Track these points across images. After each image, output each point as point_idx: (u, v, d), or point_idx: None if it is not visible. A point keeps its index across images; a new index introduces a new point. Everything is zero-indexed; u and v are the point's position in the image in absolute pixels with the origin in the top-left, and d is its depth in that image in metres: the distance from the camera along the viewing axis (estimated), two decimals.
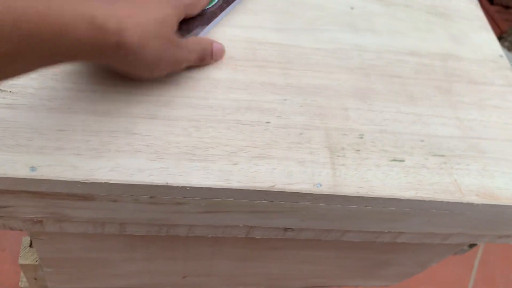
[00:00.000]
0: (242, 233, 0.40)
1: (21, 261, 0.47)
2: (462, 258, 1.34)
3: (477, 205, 0.38)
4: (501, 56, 0.51)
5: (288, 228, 0.40)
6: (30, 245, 0.48)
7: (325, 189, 0.35)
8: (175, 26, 0.35)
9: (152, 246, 0.46)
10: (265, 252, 0.50)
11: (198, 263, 0.51)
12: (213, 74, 0.39)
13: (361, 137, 0.39)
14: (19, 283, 0.57)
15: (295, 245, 0.49)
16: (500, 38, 2.06)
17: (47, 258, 0.46)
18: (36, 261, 0.48)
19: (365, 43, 0.47)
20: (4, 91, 0.33)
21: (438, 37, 0.50)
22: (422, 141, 0.40)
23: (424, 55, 0.48)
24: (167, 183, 0.32)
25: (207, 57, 0.39)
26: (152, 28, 0.32)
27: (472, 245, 0.52)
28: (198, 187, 0.32)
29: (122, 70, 0.33)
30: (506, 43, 2.08)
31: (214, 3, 0.42)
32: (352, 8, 0.49)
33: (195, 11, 0.39)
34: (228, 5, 0.42)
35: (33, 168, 0.30)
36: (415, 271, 0.59)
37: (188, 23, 0.39)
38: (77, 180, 0.30)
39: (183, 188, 0.32)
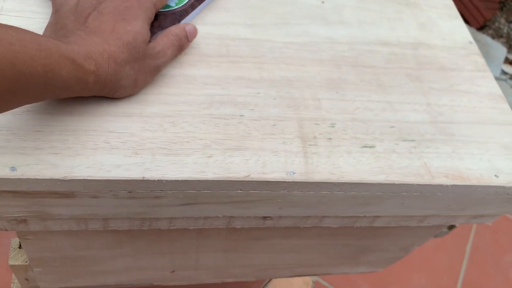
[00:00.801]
0: (222, 224, 0.41)
1: (11, 262, 0.48)
2: (454, 243, 1.36)
3: (447, 186, 0.40)
4: (470, 42, 0.52)
5: (267, 217, 0.41)
6: (20, 246, 0.49)
7: (298, 177, 0.36)
8: (147, 35, 0.37)
9: (138, 241, 0.47)
10: (249, 242, 0.51)
11: (184, 256, 0.52)
12: (188, 71, 0.40)
13: (333, 126, 0.40)
14: (11, 285, 0.58)
15: (277, 234, 0.50)
16: (484, 26, 2.09)
17: (36, 258, 0.47)
18: (26, 261, 0.49)
19: (337, 35, 0.48)
20: None
21: (408, 26, 0.52)
22: (393, 127, 0.42)
23: (395, 45, 0.49)
24: (143, 178, 0.33)
25: (184, 43, 0.40)
26: (125, 54, 0.35)
27: (451, 227, 0.54)
28: (174, 180, 0.34)
29: (107, 95, 0.36)
30: (490, 31, 2.11)
31: (185, 2, 0.43)
32: (323, 2, 0.50)
33: (164, 2, 0.40)
34: (199, 4, 0.44)
35: (13, 168, 0.31)
36: (399, 255, 0.61)
37: (160, 21, 0.41)
38: (56, 178, 0.32)
39: (159, 182, 0.33)
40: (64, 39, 0.33)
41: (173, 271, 0.56)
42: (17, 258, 0.48)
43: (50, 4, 0.41)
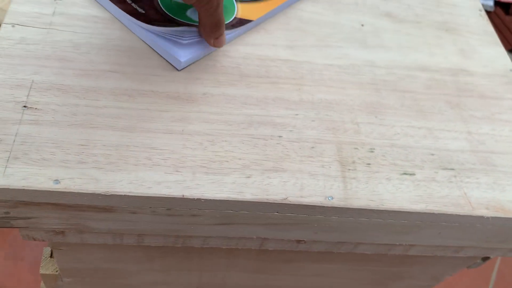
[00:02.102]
0: (255, 245, 0.41)
1: (42, 271, 0.49)
2: (479, 270, 1.32)
3: (487, 218, 0.38)
4: (511, 70, 0.51)
5: (301, 241, 0.41)
6: (51, 256, 0.50)
7: (336, 202, 0.36)
8: None
9: (168, 257, 0.47)
10: (279, 264, 0.50)
11: (212, 275, 0.52)
12: (228, 90, 0.41)
13: (372, 151, 0.40)
14: None
15: (308, 258, 0.49)
16: None
17: (67, 269, 0.47)
18: (57, 271, 0.49)
19: (376, 59, 0.48)
20: (30, 108, 0.35)
21: (448, 52, 0.51)
22: (433, 155, 0.41)
23: (435, 70, 0.49)
24: (183, 196, 0.33)
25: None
26: None
27: (485, 258, 0.52)
28: (213, 200, 0.34)
29: None
30: None
31: (228, 21, 0.43)
32: (362, 25, 0.50)
33: None
34: (240, 25, 0.44)
35: (56, 181, 0.31)
36: (428, 284, 0.59)
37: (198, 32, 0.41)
38: (98, 192, 0.32)
39: (198, 201, 0.33)
40: None
41: None
42: (48, 267, 0.49)
43: (96, 19, 0.41)
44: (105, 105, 0.36)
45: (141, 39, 0.41)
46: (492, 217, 0.39)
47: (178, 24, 0.41)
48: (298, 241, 0.41)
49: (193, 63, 0.42)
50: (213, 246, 0.40)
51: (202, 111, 0.38)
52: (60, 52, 0.38)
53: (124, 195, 0.32)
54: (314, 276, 0.54)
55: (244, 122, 0.39)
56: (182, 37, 0.41)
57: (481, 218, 0.39)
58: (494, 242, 0.43)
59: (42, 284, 0.55)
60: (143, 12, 0.41)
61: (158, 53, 0.41)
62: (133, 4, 0.42)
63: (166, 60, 0.41)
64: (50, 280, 0.50)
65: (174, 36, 0.41)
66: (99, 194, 0.32)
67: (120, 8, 0.41)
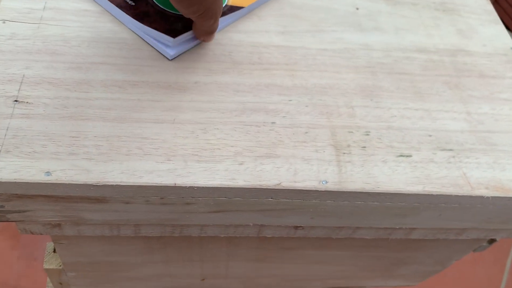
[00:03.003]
0: (253, 233, 0.41)
1: (46, 266, 0.49)
2: (493, 257, 1.31)
3: (487, 198, 0.38)
4: (511, 48, 0.50)
5: (299, 226, 0.41)
6: (54, 251, 0.50)
7: (330, 186, 0.35)
8: None
9: (169, 248, 0.47)
10: (280, 252, 0.50)
11: (214, 265, 0.52)
12: (220, 78, 0.40)
13: (368, 134, 0.39)
14: None
15: (309, 245, 0.49)
16: None
17: (70, 263, 0.48)
18: (60, 265, 0.49)
19: (372, 42, 0.47)
20: (21, 102, 0.35)
21: (446, 33, 0.50)
22: (430, 136, 0.40)
23: (433, 52, 0.48)
24: (175, 184, 0.33)
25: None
26: None
27: (491, 241, 0.51)
28: (205, 187, 0.33)
29: None
30: None
31: None
32: (357, 9, 0.50)
33: None
34: (230, 13, 0.43)
35: (48, 173, 0.32)
36: (435, 269, 0.59)
37: (187, 20, 0.41)
38: (89, 183, 0.32)
39: (190, 188, 0.33)
40: None
41: (203, 279, 0.56)
42: (52, 262, 0.49)
43: (86, 13, 0.41)
44: (96, 97, 0.36)
45: (132, 30, 0.41)
46: (492, 197, 0.38)
47: (168, 17, 0.41)
48: (296, 227, 0.41)
49: (184, 52, 0.41)
50: (211, 235, 0.40)
51: (194, 100, 0.38)
52: (50, 46, 0.39)
53: (116, 185, 0.32)
54: (316, 263, 0.54)
55: (236, 109, 0.38)
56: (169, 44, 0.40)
57: (481, 198, 0.38)
58: (496, 223, 0.43)
59: (48, 279, 0.56)
60: (133, 4, 0.41)
61: (149, 44, 0.41)
62: None
63: (157, 51, 0.41)
64: (55, 274, 0.50)
65: (161, 39, 0.40)
66: (91, 185, 0.32)
67: (109, 1, 0.41)
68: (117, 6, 0.41)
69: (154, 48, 0.41)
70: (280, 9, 0.47)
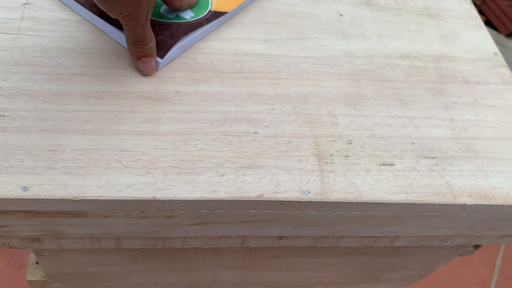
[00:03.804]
0: (237, 243, 0.41)
1: (29, 277, 0.49)
2: (483, 257, 1.32)
3: (471, 206, 0.38)
4: (495, 54, 0.50)
5: (283, 236, 0.40)
6: (37, 262, 0.50)
7: (313, 196, 0.35)
8: None
9: (153, 259, 0.47)
10: (266, 261, 0.50)
11: (201, 274, 0.51)
12: (201, 88, 0.40)
13: (350, 143, 0.39)
14: None
15: (295, 253, 0.49)
16: None
17: (53, 274, 0.47)
18: (43, 277, 0.49)
19: (355, 48, 0.47)
20: None
21: (430, 38, 0.50)
22: (413, 144, 0.40)
23: (416, 58, 0.48)
24: (154, 198, 0.32)
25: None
26: None
27: (476, 246, 0.51)
28: (185, 200, 0.33)
29: None
30: None
31: (202, 15, 0.43)
32: (341, 15, 0.49)
33: None
34: (215, 18, 0.43)
35: (24, 188, 0.31)
36: (422, 274, 0.59)
37: (172, 30, 0.40)
38: (67, 198, 0.31)
39: (170, 202, 0.33)
40: None
41: (191, 287, 0.55)
42: (35, 274, 0.49)
43: (65, 22, 0.41)
44: (75, 109, 0.36)
45: (112, 38, 0.41)
46: (476, 205, 0.38)
47: (152, 25, 0.40)
48: (280, 237, 0.40)
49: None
50: (194, 246, 0.40)
51: (175, 110, 0.38)
52: (28, 57, 0.38)
53: (94, 199, 0.32)
54: (303, 270, 0.53)
55: (218, 119, 0.38)
56: None
57: (464, 206, 0.38)
58: (481, 230, 0.43)
59: None
60: None
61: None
62: None
63: None
64: (38, 286, 0.50)
65: None
66: (68, 200, 0.31)
67: (91, 11, 0.41)
68: (99, 16, 0.40)
69: None
70: (263, 16, 0.47)
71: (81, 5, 0.41)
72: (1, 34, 0.39)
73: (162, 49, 0.40)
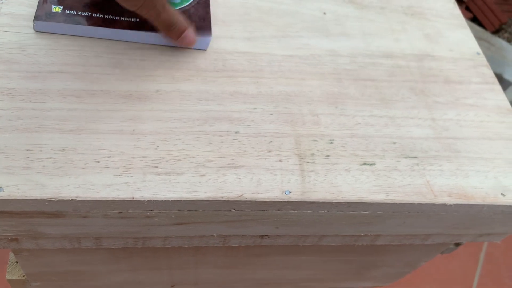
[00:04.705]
0: (218, 243, 0.40)
1: (9, 276, 0.48)
2: (467, 252, 1.33)
3: (450, 205, 0.38)
4: (478, 53, 0.51)
5: (264, 236, 0.40)
6: (17, 261, 0.49)
7: (293, 196, 0.35)
8: None
9: (135, 257, 0.46)
10: (249, 259, 0.50)
11: (183, 272, 0.51)
12: (183, 86, 0.40)
13: (332, 142, 0.39)
14: None
15: (277, 251, 0.49)
16: (500, 29, 2.05)
17: (33, 273, 0.47)
18: (23, 276, 0.48)
19: (338, 47, 0.47)
20: None
21: (413, 37, 0.50)
22: (394, 143, 0.40)
23: (399, 57, 0.48)
24: (133, 198, 0.32)
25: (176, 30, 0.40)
26: None
27: (457, 244, 0.52)
28: (165, 200, 0.33)
29: None
30: (506, 34, 2.06)
31: (189, 2, 0.43)
32: (324, 13, 0.49)
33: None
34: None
35: (0, 188, 0.31)
36: (405, 271, 0.59)
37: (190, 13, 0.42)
38: (44, 198, 0.31)
39: (149, 202, 0.33)
40: None
41: (173, 286, 0.55)
42: (14, 273, 0.48)
43: None
44: (52, 108, 0.35)
45: (95, 37, 0.40)
46: (455, 204, 0.38)
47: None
48: (262, 236, 0.40)
49: (147, 59, 0.40)
50: (175, 245, 0.40)
51: (155, 109, 0.37)
52: (5, 54, 0.37)
53: (72, 200, 0.31)
54: (286, 268, 0.54)
55: (199, 118, 0.38)
56: None
57: (444, 206, 0.38)
58: (460, 229, 0.43)
59: None
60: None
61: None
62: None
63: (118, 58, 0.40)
64: (18, 285, 0.49)
65: None
66: (45, 200, 0.31)
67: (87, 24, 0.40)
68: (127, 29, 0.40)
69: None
70: (246, 14, 0.47)
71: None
72: None
73: (203, 29, 0.41)
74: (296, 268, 0.55)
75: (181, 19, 0.39)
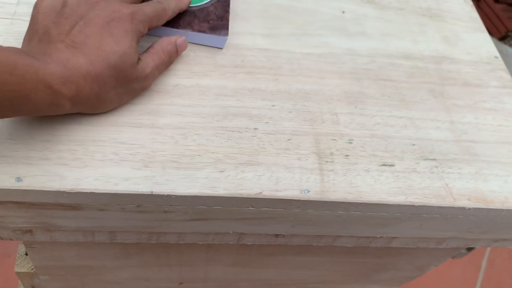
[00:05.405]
0: (233, 240, 0.40)
1: (17, 269, 0.48)
2: (469, 258, 1.33)
3: (469, 209, 0.38)
4: (496, 57, 0.50)
5: (279, 235, 0.40)
6: (26, 253, 0.49)
7: (312, 195, 0.35)
8: (135, 57, 0.34)
9: (146, 253, 0.46)
10: (260, 257, 0.50)
11: (193, 269, 0.51)
12: (202, 81, 0.39)
13: (351, 142, 0.39)
14: None
15: (289, 251, 0.49)
16: (506, 36, 2.04)
17: (42, 266, 0.46)
18: (32, 269, 0.48)
19: (357, 47, 0.46)
20: None
21: (432, 39, 0.50)
22: (414, 145, 0.40)
23: (418, 58, 0.47)
24: (152, 192, 0.32)
25: (174, 58, 0.38)
26: (110, 78, 0.32)
27: (470, 249, 0.51)
28: (184, 196, 0.32)
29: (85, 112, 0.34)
30: None
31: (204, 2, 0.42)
32: (343, 12, 0.49)
33: (160, 22, 0.37)
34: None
35: (18, 179, 0.30)
36: (413, 275, 0.59)
37: (208, 12, 0.42)
38: (62, 190, 0.31)
39: (168, 197, 0.32)
40: (44, 57, 0.30)
41: (181, 283, 0.54)
42: (23, 265, 0.48)
43: None
44: None
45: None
46: (474, 208, 0.38)
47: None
48: (276, 235, 0.40)
49: None
50: (189, 242, 0.39)
51: (174, 103, 0.37)
52: None
53: (90, 192, 0.31)
54: (297, 269, 0.53)
55: (218, 114, 0.37)
56: None
57: (462, 209, 0.38)
58: (477, 233, 0.43)
59: (19, 282, 0.54)
60: None
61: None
62: None
63: None
64: (26, 278, 0.49)
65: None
66: (64, 192, 0.31)
67: None
68: None
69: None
70: (265, 11, 0.46)
71: None
72: None
73: (220, 28, 0.41)
74: (305, 268, 0.54)
75: (165, 48, 0.37)
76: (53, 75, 0.29)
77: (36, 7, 0.33)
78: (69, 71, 0.30)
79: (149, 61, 0.35)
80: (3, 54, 0.27)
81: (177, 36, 0.38)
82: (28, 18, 0.38)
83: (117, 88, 0.33)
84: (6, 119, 0.32)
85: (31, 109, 0.29)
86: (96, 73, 0.31)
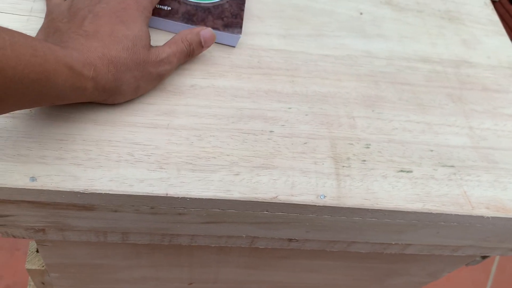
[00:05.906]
0: (245, 243, 0.40)
1: (28, 266, 0.47)
2: (479, 264, 1.31)
3: (487, 218, 0.37)
4: None
5: (293, 239, 0.39)
6: (37, 250, 0.49)
7: (328, 201, 0.34)
8: (147, 39, 0.35)
9: (157, 253, 0.46)
10: (272, 261, 0.49)
11: (203, 271, 0.50)
12: (217, 82, 0.39)
13: (368, 147, 0.38)
14: (27, 287, 0.57)
15: (302, 255, 0.48)
16: None
17: (53, 264, 0.46)
18: (43, 266, 0.48)
19: (375, 49, 0.46)
20: None
21: (450, 42, 0.49)
22: (432, 151, 0.39)
23: (436, 62, 0.47)
24: (167, 194, 0.31)
25: (196, 50, 0.38)
26: (126, 60, 0.33)
27: (484, 257, 0.50)
28: (198, 198, 0.32)
29: (105, 102, 0.34)
30: None
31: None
32: (361, 14, 0.48)
33: None
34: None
35: (32, 178, 0.30)
36: (426, 281, 0.58)
37: (222, 9, 0.41)
38: (76, 190, 0.30)
39: (183, 199, 0.32)
40: (61, 43, 0.31)
41: (191, 283, 0.54)
42: (34, 262, 0.47)
43: None
44: None
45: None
46: (493, 217, 0.37)
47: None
48: (290, 240, 0.39)
49: None
50: (201, 244, 0.39)
51: (190, 104, 0.36)
52: None
53: (105, 193, 0.31)
54: (308, 272, 0.53)
55: (234, 115, 0.37)
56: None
57: (481, 218, 0.37)
58: (494, 242, 0.42)
59: (30, 278, 0.54)
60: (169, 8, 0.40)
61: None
62: None
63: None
64: (37, 275, 0.49)
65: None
66: (78, 192, 0.30)
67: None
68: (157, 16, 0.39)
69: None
70: (281, 11, 0.46)
71: None
72: (13, 15, 0.37)
73: (234, 26, 0.40)
74: (317, 272, 0.54)
75: (188, 38, 0.37)
76: (72, 57, 0.30)
77: (47, 6, 0.35)
78: (86, 53, 0.31)
79: (165, 48, 0.36)
80: (23, 38, 0.27)
81: (202, 27, 0.38)
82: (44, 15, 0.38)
83: (133, 71, 0.33)
84: (21, 117, 0.32)
85: (55, 95, 0.29)
86: (111, 55, 0.32)
